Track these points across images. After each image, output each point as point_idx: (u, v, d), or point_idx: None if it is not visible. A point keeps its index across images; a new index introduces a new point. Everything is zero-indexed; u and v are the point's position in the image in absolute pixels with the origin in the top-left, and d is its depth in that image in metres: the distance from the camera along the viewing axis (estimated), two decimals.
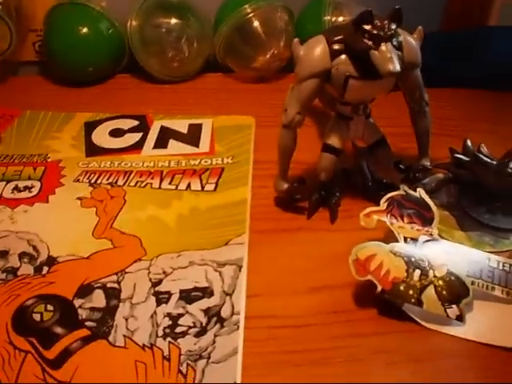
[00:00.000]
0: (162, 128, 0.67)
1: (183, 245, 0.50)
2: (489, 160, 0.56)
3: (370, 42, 0.45)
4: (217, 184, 0.57)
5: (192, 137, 0.65)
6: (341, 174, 0.58)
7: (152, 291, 0.46)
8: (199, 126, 0.67)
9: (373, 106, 0.54)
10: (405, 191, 0.51)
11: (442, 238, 0.50)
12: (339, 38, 0.47)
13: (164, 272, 0.47)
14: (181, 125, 0.67)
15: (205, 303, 0.45)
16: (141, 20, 0.74)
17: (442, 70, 0.77)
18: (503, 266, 0.48)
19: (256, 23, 0.73)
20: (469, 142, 0.58)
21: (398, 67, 0.44)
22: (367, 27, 0.45)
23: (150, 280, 0.47)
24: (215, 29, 0.76)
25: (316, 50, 0.47)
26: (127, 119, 0.68)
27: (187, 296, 0.45)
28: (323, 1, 0.75)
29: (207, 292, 0.46)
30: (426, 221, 0.49)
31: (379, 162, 0.56)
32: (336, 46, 0.47)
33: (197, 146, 0.63)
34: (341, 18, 0.73)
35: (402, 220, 0.49)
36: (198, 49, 0.76)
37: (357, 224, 0.48)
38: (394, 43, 0.46)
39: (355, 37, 0.46)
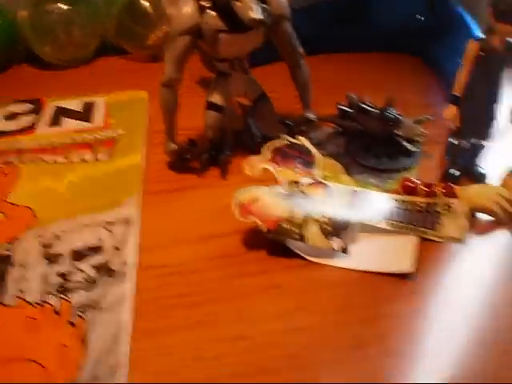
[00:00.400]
0: (57, 109, 0.67)
1: (76, 210, 0.51)
2: (371, 109, 0.58)
3: None
4: (110, 154, 0.58)
5: (86, 114, 0.65)
6: (231, 134, 0.58)
7: (43, 254, 0.46)
8: (92, 104, 0.67)
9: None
10: (287, 140, 0.52)
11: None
12: None
13: (56, 236, 0.48)
14: (75, 104, 0.67)
15: (95, 260, 0.46)
16: (30, 8, 0.74)
17: (329, 37, 0.79)
18: (386, 200, 0.51)
19: (144, 1, 0.74)
20: (352, 95, 0.60)
21: (259, 15, 0.46)
22: None
23: (42, 244, 0.47)
24: (106, 10, 0.76)
25: (185, 8, 0.49)
26: (21, 103, 0.68)
27: (78, 255, 0.46)
28: None
29: (98, 250, 0.46)
30: (309, 165, 0.51)
31: (264, 118, 0.57)
32: (204, 3, 0.48)
33: (91, 121, 0.64)
34: None
35: (286, 166, 0.50)
36: (90, 32, 0.76)
37: (247, 177, 0.50)
38: None
39: None
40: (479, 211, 0.50)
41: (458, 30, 0.70)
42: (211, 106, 0.53)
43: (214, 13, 0.48)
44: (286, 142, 0.52)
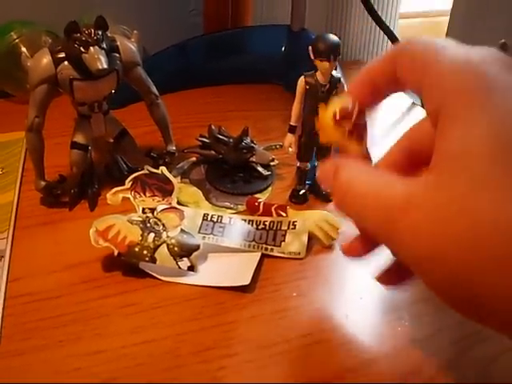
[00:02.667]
0: None
1: None
2: (227, 139, 0.64)
3: (80, 47, 0.52)
4: None
5: None
6: (102, 170, 0.64)
7: None
8: None
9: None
10: (148, 170, 0.58)
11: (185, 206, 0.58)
12: (59, 47, 0.54)
13: None
14: None
15: None
16: None
17: (206, 70, 0.87)
18: (236, 221, 0.57)
19: (23, 48, 0.78)
20: (213, 126, 0.67)
21: (105, 65, 0.52)
22: (77, 35, 0.52)
23: None
24: None
25: (41, 61, 0.54)
26: None
27: None
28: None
29: None
30: (167, 192, 0.57)
31: (127, 151, 0.63)
32: (58, 55, 0.54)
33: None
34: None
35: (145, 194, 0.56)
36: None
37: (113, 208, 0.55)
38: (104, 46, 0.53)
39: (69, 45, 0.53)
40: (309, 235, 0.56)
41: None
42: (74, 145, 0.58)
43: (67, 63, 0.53)
44: (146, 172, 0.57)
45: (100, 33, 0.53)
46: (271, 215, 0.56)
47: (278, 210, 0.56)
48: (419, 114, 0.82)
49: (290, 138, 0.59)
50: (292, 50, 0.85)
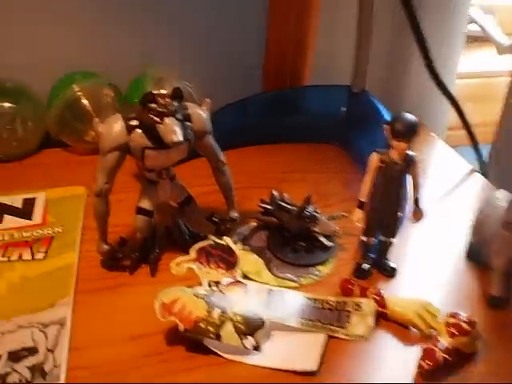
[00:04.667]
0: None
1: (13, 311, 0.54)
2: (290, 206, 0.63)
3: (155, 118, 0.52)
4: (46, 252, 0.61)
5: (26, 210, 0.69)
6: (163, 232, 0.63)
7: None
8: (33, 200, 0.71)
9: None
10: (213, 241, 0.57)
11: (249, 279, 0.58)
12: (133, 115, 0.54)
13: None
14: (15, 200, 0.71)
15: (30, 361, 0.49)
16: None
17: (265, 128, 0.86)
18: (299, 299, 0.56)
19: (84, 100, 0.79)
20: (275, 192, 0.66)
21: (180, 137, 0.52)
22: (152, 105, 0.52)
23: None
24: (49, 108, 0.81)
25: (114, 127, 0.54)
26: None
27: (15, 356, 0.50)
28: (145, 78, 0.81)
29: (33, 351, 0.50)
30: (231, 265, 0.56)
31: (190, 218, 0.62)
32: (131, 123, 0.54)
33: (30, 218, 0.68)
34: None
35: (209, 266, 0.55)
36: (33, 128, 0.80)
37: (175, 276, 0.54)
38: (179, 117, 0.53)
39: (143, 114, 0.53)
40: (404, 323, 0.54)
41: (373, 120, 0.78)
42: (140, 211, 0.58)
43: (140, 131, 0.53)
44: (210, 242, 0.57)
45: (176, 103, 0.53)
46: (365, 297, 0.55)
47: (375, 296, 0.55)
48: (477, 180, 0.80)
49: (358, 214, 0.58)
50: (352, 111, 0.85)
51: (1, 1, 0.80)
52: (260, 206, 0.65)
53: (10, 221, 0.67)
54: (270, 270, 0.61)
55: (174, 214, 0.62)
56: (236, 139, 0.83)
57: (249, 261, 0.61)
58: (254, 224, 0.67)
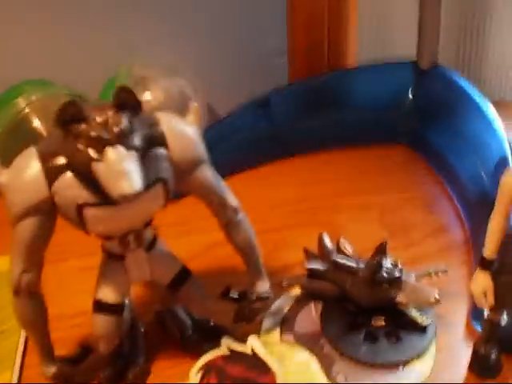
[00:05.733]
0: None
1: None
2: (353, 264, 0.39)
3: (88, 150, 0.27)
4: None
5: None
6: (149, 325, 0.40)
7: None
8: None
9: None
10: (229, 348, 0.32)
11: None
12: (54, 146, 0.30)
13: None
14: None
15: None
16: None
17: (297, 133, 0.62)
18: None
19: (34, 119, 0.55)
20: (326, 240, 0.43)
21: (135, 185, 0.27)
22: (80, 127, 0.28)
23: None
24: None
25: (26, 174, 0.30)
26: None
27: None
28: (120, 78, 0.57)
29: None
30: None
31: (190, 301, 0.37)
32: (55, 161, 0.30)
33: None
34: (148, 96, 0.56)
35: None
36: None
37: None
38: (134, 142, 0.29)
39: (68, 144, 0.28)
40: None
41: (458, 107, 0.56)
42: (101, 308, 0.34)
43: (70, 175, 0.29)
44: (224, 353, 0.32)
45: (126, 118, 0.28)
46: None
47: None
48: None
49: (482, 280, 0.34)
50: (422, 95, 0.61)
51: None
52: (306, 267, 0.40)
53: None
54: (331, 378, 0.36)
55: (165, 300, 0.39)
56: (258, 153, 0.60)
57: (295, 365, 0.37)
58: (296, 293, 0.43)
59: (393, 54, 0.65)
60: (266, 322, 0.41)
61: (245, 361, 0.34)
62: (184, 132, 0.33)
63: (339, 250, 0.42)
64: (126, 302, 0.36)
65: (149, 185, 0.29)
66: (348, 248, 0.42)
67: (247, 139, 0.61)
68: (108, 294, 0.35)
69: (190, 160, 0.33)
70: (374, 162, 0.60)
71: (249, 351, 0.35)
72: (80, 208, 0.29)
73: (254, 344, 0.35)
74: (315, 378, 0.37)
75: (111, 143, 0.28)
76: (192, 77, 0.60)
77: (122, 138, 0.28)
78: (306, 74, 0.65)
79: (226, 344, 0.35)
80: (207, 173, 0.34)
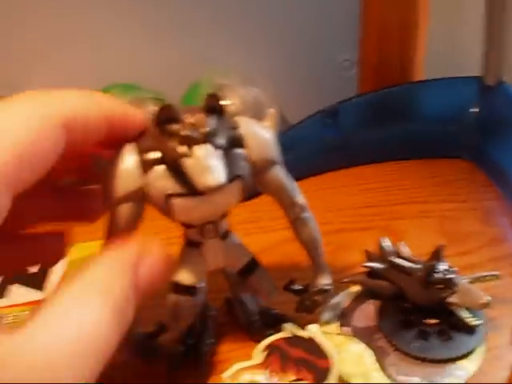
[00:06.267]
0: None
1: None
2: (410, 264, 0.41)
3: (179, 147, 0.31)
4: None
5: (36, 277, 0.49)
6: (218, 309, 0.43)
7: None
8: None
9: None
10: (291, 332, 0.36)
11: None
12: (152, 144, 0.33)
13: None
14: None
15: None
16: None
17: (365, 143, 0.65)
18: None
19: None
20: (384, 242, 0.44)
21: (220, 178, 0.31)
22: (173, 127, 0.32)
23: None
24: None
25: (125, 163, 0.33)
26: None
27: None
28: (198, 88, 0.61)
29: None
30: (320, 373, 0.34)
31: (258, 290, 0.41)
32: (149, 155, 0.33)
33: (41, 289, 0.48)
34: (226, 103, 0.59)
35: (286, 376, 0.34)
36: None
37: None
38: (219, 142, 0.32)
39: (163, 140, 0.32)
40: None
41: None
42: (178, 289, 0.38)
43: (162, 169, 0.33)
44: (287, 335, 0.35)
45: (213, 120, 0.32)
46: None
47: None
48: None
49: None
50: (487, 111, 0.62)
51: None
52: (364, 266, 0.42)
53: (16, 292, 0.47)
54: (384, 369, 0.39)
55: (234, 288, 0.42)
56: (326, 160, 0.63)
57: (350, 354, 0.40)
58: (353, 290, 0.46)
59: (459, 69, 0.65)
60: (326, 315, 0.43)
61: (304, 345, 0.37)
62: (261, 134, 0.36)
63: (398, 253, 0.44)
64: (202, 285, 0.39)
65: (229, 180, 0.32)
66: (406, 251, 0.44)
67: (314, 147, 0.62)
68: (186, 277, 0.38)
69: (265, 160, 0.36)
70: (435, 173, 0.61)
71: (308, 336, 0.37)
72: (168, 197, 0.33)
73: (313, 331, 0.38)
74: (369, 368, 0.39)
75: (199, 142, 0.31)
76: (266, 86, 0.64)
77: (209, 138, 0.31)
78: (375, 86, 0.66)
79: (288, 329, 0.38)
80: (280, 173, 0.37)
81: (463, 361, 0.39)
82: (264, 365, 0.35)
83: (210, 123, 0.32)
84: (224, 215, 0.37)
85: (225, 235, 0.38)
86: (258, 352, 0.36)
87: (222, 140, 0.32)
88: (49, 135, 0.27)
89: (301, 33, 0.71)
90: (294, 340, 0.37)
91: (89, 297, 0.26)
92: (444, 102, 0.64)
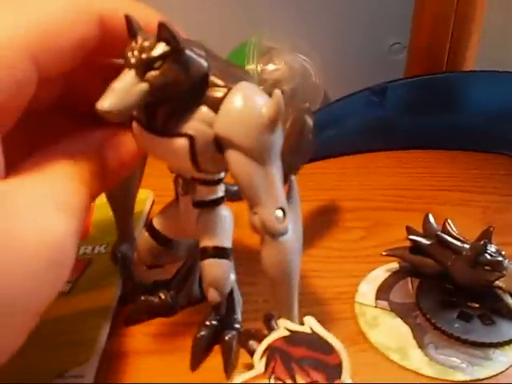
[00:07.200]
0: None
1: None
2: (458, 242, 0.40)
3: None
4: (76, 281, 0.40)
5: None
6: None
7: None
8: None
9: None
10: (288, 330, 0.32)
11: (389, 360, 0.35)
12: None
13: None
14: None
15: None
16: None
17: (408, 126, 0.63)
18: None
19: None
20: (431, 218, 0.43)
21: (106, 104, 0.26)
22: (129, 45, 0.27)
23: None
24: None
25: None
26: None
27: None
28: (245, 49, 0.59)
29: None
30: (333, 370, 0.31)
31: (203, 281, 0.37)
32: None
33: None
34: (272, 67, 0.58)
35: (294, 380, 0.31)
36: None
37: None
38: (151, 74, 0.27)
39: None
40: None
41: None
42: (149, 229, 0.36)
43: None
44: (284, 334, 0.32)
45: (160, 49, 0.27)
46: None
47: None
48: None
49: None
50: None
51: None
52: (408, 239, 0.40)
53: None
54: (421, 347, 0.37)
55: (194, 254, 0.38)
56: (366, 139, 0.61)
57: (388, 328, 0.38)
58: (395, 266, 0.44)
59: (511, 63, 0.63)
60: (363, 287, 0.42)
61: (305, 341, 0.32)
62: (240, 111, 0.28)
63: (444, 230, 0.42)
64: (179, 241, 0.37)
65: (172, 135, 0.28)
66: (454, 229, 0.42)
67: (357, 125, 0.61)
68: (157, 222, 0.36)
69: (223, 136, 0.28)
70: (478, 165, 0.59)
71: (308, 331, 0.32)
72: (131, 119, 0.30)
73: (311, 323, 0.33)
74: (406, 343, 0.37)
75: (132, 67, 0.27)
76: (314, 56, 0.62)
77: (147, 65, 0.27)
78: (422, 72, 0.64)
79: (283, 325, 0.33)
80: (238, 160, 0.28)
81: (506, 347, 0.37)
82: (267, 373, 0.31)
83: (158, 50, 0.27)
84: (196, 180, 0.33)
85: (199, 204, 0.34)
86: (258, 361, 0.31)
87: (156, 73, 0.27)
88: (82, 28, 0.26)
89: (354, 12, 0.69)
90: (293, 337, 0.32)
91: None
92: (491, 95, 0.61)
